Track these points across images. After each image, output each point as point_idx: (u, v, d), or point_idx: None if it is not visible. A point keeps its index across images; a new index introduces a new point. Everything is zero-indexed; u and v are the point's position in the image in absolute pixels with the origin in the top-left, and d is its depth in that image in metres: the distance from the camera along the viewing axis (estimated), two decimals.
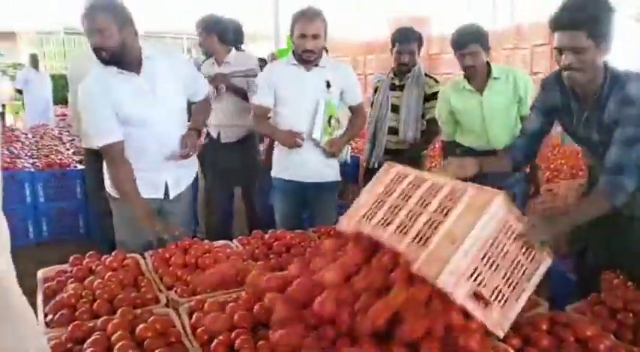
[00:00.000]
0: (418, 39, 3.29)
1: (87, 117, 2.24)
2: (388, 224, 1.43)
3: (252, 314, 1.46)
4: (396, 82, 3.34)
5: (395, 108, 3.28)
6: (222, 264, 1.88)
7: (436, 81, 3.33)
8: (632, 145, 1.67)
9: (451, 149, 3.02)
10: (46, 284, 1.81)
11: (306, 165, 2.73)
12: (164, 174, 2.39)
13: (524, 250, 1.38)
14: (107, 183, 2.40)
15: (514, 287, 1.34)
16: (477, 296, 1.27)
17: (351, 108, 2.88)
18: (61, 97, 8.76)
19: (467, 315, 1.26)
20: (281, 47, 7.42)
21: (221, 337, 1.38)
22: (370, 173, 3.09)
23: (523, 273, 1.37)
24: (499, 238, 1.31)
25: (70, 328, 1.43)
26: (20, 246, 3.60)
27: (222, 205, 3.70)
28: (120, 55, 2.13)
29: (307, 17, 2.58)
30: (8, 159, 4.32)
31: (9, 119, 9.79)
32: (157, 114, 2.25)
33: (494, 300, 1.29)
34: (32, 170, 4.15)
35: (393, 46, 3.28)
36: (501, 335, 1.31)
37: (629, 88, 1.70)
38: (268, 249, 2.13)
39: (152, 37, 13.12)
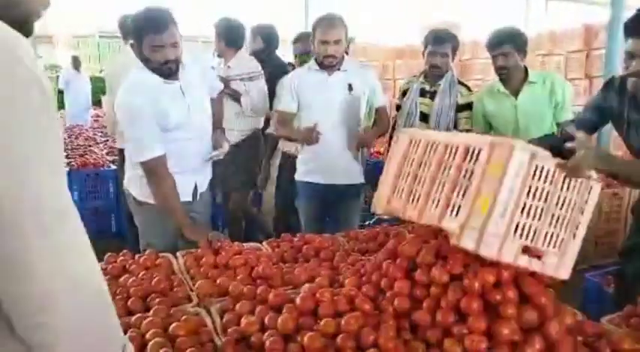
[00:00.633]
0: (453, 41, 3.05)
1: (132, 131, 2.22)
2: (417, 199, 1.45)
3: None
4: (427, 87, 3.09)
5: (424, 117, 3.05)
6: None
7: (469, 89, 3.12)
8: None
9: None
10: None
11: (330, 167, 2.75)
12: (195, 176, 2.44)
13: (567, 186, 1.34)
14: (134, 187, 2.40)
15: (567, 225, 1.33)
16: (528, 250, 1.27)
17: (374, 110, 2.90)
18: (95, 99, 8.97)
19: None
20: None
21: (252, 338, 1.40)
22: None
23: (572, 209, 1.34)
24: (533, 184, 1.29)
25: None
26: None
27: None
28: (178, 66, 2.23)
29: (328, 23, 2.62)
30: None
31: None
32: (193, 118, 2.31)
33: (548, 246, 1.30)
34: (67, 169, 4.26)
35: (426, 47, 3.05)
36: (566, 276, 1.33)
37: None
38: (297, 253, 2.14)
39: (184, 40, 13.30)
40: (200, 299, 1.69)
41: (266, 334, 1.40)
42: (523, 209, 1.27)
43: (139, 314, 1.53)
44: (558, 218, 1.32)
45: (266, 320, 1.45)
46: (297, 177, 2.88)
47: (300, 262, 2.05)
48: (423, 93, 3.10)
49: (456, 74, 3.20)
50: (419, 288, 1.45)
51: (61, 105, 8.55)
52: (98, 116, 8.72)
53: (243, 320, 1.46)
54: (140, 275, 1.83)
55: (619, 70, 2.08)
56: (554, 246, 1.31)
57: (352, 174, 2.83)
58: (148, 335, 1.40)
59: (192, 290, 1.78)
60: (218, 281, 1.77)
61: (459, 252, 1.35)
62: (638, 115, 1.82)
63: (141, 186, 2.34)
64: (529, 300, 1.30)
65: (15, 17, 0.71)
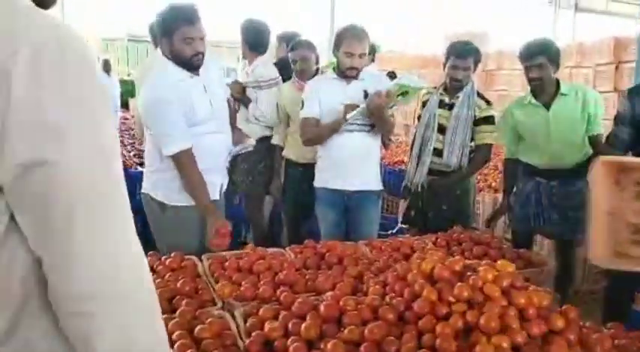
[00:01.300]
0: (475, 54, 2.99)
1: (161, 124, 2.26)
2: None
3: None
4: (446, 100, 3.01)
5: (441, 129, 2.98)
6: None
7: (488, 103, 3.02)
8: None
9: (513, 167, 2.97)
10: None
11: (349, 173, 2.76)
12: (222, 173, 2.53)
13: None
14: (161, 190, 2.41)
15: None
16: None
17: None
18: (123, 101, 9.15)
19: None
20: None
21: (276, 343, 1.42)
22: (414, 193, 3.05)
23: None
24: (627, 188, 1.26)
25: None
26: None
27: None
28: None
29: (355, 36, 2.65)
30: None
31: None
32: (215, 113, 2.40)
33: None
34: None
35: (447, 59, 2.98)
36: None
37: None
38: (320, 259, 2.16)
39: (209, 45, 13.49)
40: (224, 302, 1.72)
41: (289, 340, 1.42)
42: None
43: (165, 315, 1.56)
44: None
45: (290, 325, 1.47)
46: (316, 183, 2.90)
47: (323, 269, 2.07)
48: (441, 104, 3.03)
49: (477, 85, 3.12)
50: (442, 303, 1.46)
51: None
52: (125, 119, 8.89)
53: (267, 325, 1.49)
54: (166, 276, 1.86)
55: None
56: None
57: (371, 180, 2.84)
58: (174, 336, 1.43)
59: (216, 293, 1.81)
60: (242, 287, 1.79)
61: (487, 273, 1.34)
62: None
63: (170, 189, 2.36)
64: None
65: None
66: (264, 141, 3.43)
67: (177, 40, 2.22)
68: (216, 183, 2.48)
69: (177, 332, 1.44)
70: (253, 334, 1.48)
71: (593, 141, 2.69)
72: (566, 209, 2.77)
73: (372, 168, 2.85)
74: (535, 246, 3.22)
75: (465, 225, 2.84)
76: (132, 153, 5.17)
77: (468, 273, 1.56)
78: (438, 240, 2.49)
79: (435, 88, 3.16)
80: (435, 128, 2.99)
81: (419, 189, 3.03)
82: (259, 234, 3.70)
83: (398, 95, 2.61)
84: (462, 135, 2.94)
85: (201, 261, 2.12)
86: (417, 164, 3.06)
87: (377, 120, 2.68)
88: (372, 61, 5.13)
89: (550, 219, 2.83)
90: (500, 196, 3.84)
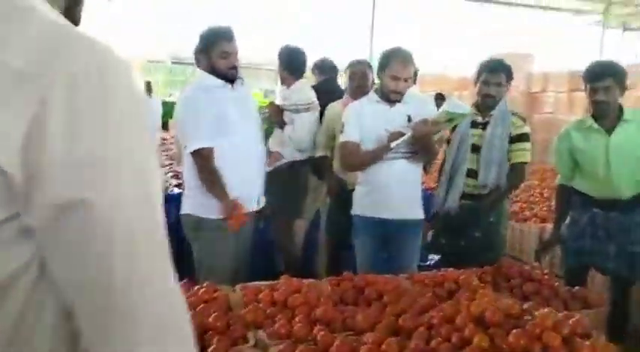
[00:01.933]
0: (507, 71, 2.88)
1: (190, 121, 2.46)
2: None
3: None
4: (479, 119, 2.89)
5: (475, 148, 2.86)
6: None
7: (524, 120, 2.97)
8: None
9: (567, 194, 2.78)
10: None
11: (389, 201, 2.64)
12: (257, 185, 2.64)
13: None
14: (197, 204, 2.52)
15: None
16: None
17: None
18: (162, 122, 9.33)
19: None
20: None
21: None
22: (444, 219, 2.90)
23: None
24: None
25: None
26: None
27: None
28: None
29: (403, 60, 2.57)
30: None
31: None
32: (248, 126, 2.55)
33: None
34: None
35: (478, 77, 2.89)
36: None
37: None
38: (359, 294, 2.04)
39: (250, 68, 13.79)
40: (257, 340, 1.63)
41: None
42: None
43: None
44: None
45: None
46: (354, 211, 2.78)
47: (362, 305, 1.95)
48: (474, 124, 2.91)
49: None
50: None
51: None
52: (164, 139, 9.04)
53: None
54: (198, 308, 1.79)
55: None
56: None
57: (413, 208, 2.71)
58: None
59: (249, 329, 1.72)
60: (277, 323, 1.69)
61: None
62: None
63: (207, 207, 2.47)
64: None
65: (75, 17, 0.68)
66: (296, 164, 3.42)
67: (215, 54, 2.46)
68: (252, 194, 2.58)
69: None
70: None
71: None
72: (625, 243, 2.57)
73: (414, 196, 2.72)
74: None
75: (498, 255, 2.76)
76: (169, 175, 5.19)
77: (525, 317, 1.42)
78: (484, 274, 2.34)
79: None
80: (469, 149, 2.87)
81: (450, 214, 2.87)
82: (290, 261, 3.60)
83: (444, 122, 2.51)
84: (499, 153, 2.83)
85: (234, 290, 2.04)
86: (448, 187, 2.91)
87: (422, 148, 2.59)
88: (414, 82, 5.06)
89: (606, 254, 2.62)
90: (548, 226, 3.66)
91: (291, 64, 3.43)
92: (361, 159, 2.65)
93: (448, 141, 3.02)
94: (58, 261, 0.56)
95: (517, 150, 2.84)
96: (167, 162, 6.07)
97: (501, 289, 2.22)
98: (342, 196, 3.14)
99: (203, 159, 2.42)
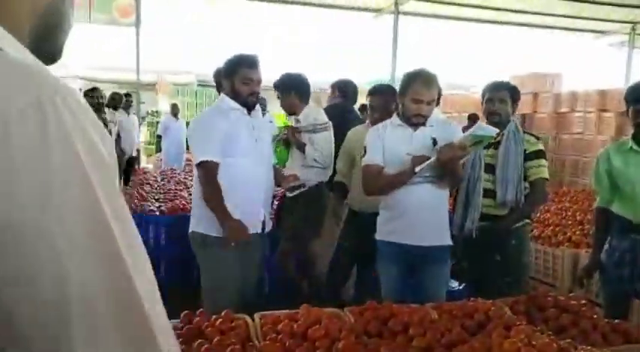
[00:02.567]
0: (511, 91, 2.90)
1: (199, 135, 2.60)
2: None
3: None
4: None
5: (489, 168, 2.84)
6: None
7: (537, 138, 2.92)
8: None
9: (605, 218, 2.65)
10: None
11: (415, 226, 2.53)
12: (264, 208, 2.68)
13: None
14: (204, 222, 2.58)
15: None
16: None
17: None
18: (187, 143, 9.44)
19: None
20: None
21: None
22: (464, 242, 2.80)
23: None
24: None
25: None
26: None
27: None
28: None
29: (424, 82, 2.49)
30: (136, 202, 4.60)
31: (142, 161, 10.68)
32: (260, 151, 2.63)
33: None
34: (157, 213, 4.36)
35: (483, 98, 2.93)
36: None
37: None
38: (383, 325, 1.94)
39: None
40: None
41: None
42: None
43: None
44: None
45: None
46: (379, 236, 2.68)
47: (386, 337, 1.85)
48: (487, 145, 2.81)
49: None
50: None
51: (158, 149, 9.08)
52: (189, 160, 9.11)
53: None
54: (215, 340, 1.71)
55: None
56: None
57: (439, 234, 2.60)
58: None
59: None
60: None
61: None
62: None
63: (212, 221, 2.53)
64: None
65: (52, 49, 0.64)
66: (319, 185, 3.42)
67: (238, 80, 2.56)
68: (258, 214, 2.63)
69: None
70: None
71: None
72: None
73: (440, 221, 2.61)
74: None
75: (520, 280, 2.75)
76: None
77: None
78: (517, 304, 2.21)
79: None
80: (482, 167, 2.85)
81: (470, 235, 2.79)
82: (313, 284, 3.55)
83: (470, 145, 2.43)
84: (516, 171, 2.79)
85: (253, 319, 1.97)
86: (466, 208, 2.84)
87: (448, 172, 2.50)
88: (438, 104, 4.98)
89: None
90: (581, 252, 3.50)
91: (304, 90, 3.45)
92: (383, 183, 2.58)
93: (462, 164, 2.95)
94: None
95: (534, 166, 2.81)
96: (191, 184, 6.07)
97: (536, 321, 2.09)
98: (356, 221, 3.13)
99: (208, 171, 2.50)
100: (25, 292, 0.48)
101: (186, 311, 1.99)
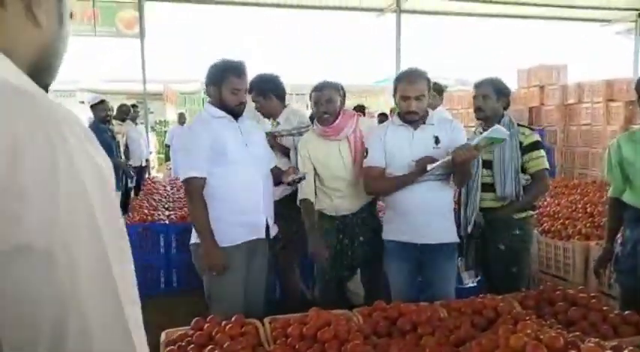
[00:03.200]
0: (494, 85, 2.87)
1: (184, 150, 2.51)
2: None
3: None
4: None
5: (486, 163, 2.86)
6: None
7: (532, 129, 2.94)
8: None
9: (618, 208, 2.64)
10: (168, 348, 1.80)
11: (420, 225, 2.55)
12: (266, 213, 2.57)
13: None
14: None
15: None
16: None
17: None
18: None
19: None
20: None
21: None
22: (469, 236, 2.81)
23: None
24: None
25: None
26: (151, 296, 3.71)
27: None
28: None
29: (409, 79, 2.52)
30: (146, 211, 4.65)
31: (154, 171, 10.78)
32: (252, 155, 2.50)
33: None
34: (167, 222, 4.41)
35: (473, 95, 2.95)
36: None
37: None
38: (392, 325, 1.95)
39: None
40: None
41: None
42: None
43: None
44: None
45: None
46: (385, 236, 2.70)
47: (395, 336, 1.86)
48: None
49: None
50: None
51: (167, 158, 9.16)
52: None
53: None
54: (225, 346, 1.74)
55: None
56: None
57: (446, 231, 2.61)
58: None
59: None
60: None
61: None
62: None
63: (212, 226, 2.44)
64: None
65: (47, 80, 0.70)
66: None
67: (226, 89, 2.44)
68: (260, 222, 2.54)
69: None
70: None
71: None
72: None
73: (446, 218, 2.62)
74: None
75: (523, 270, 2.75)
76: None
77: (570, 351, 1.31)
78: (526, 299, 2.21)
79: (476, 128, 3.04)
80: (480, 164, 2.85)
81: (469, 231, 2.80)
82: (292, 293, 3.46)
83: (484, 146, 2.48)
84: (513, 164, 2.80)
85: (263, 324, 1.98)
86: (466, 204, 2.88)
87: (460, 172, 2.53)
88: (441, 99, 4.94)
89: None
90: (592, 244, 3.47)
91: (281, 91, 3.28)
92: (388, 184, 2.60)
93: None
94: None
95: (533, 158, 2.81)
96: None
97: (545, 315, 2.09)
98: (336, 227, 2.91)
99: (192, 188, 2.41)
100: (25, 311, 0.52)
101: (197, 318, 2.01)
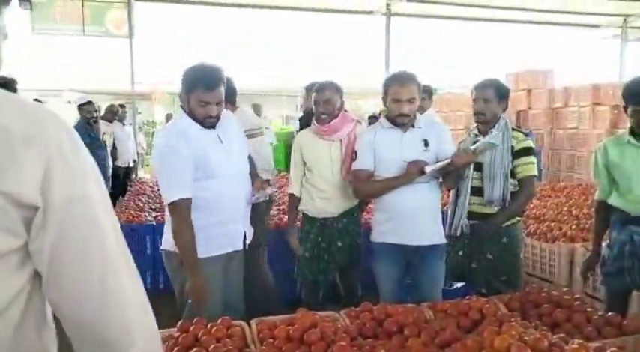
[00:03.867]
0: (497, 88, 2.83)
1: (165, 171, 2.26)
2: None
3: None
4: (480, 138, 2.81)
5: (477, 166, 2.80)
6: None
7: (526, 134, 2.90)
8: None
9: (604, 210, 2.66)
10: None
11: (409, 227, 2.57)
12: (244, 223, 2.49)
13: None
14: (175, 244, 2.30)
15: None
16: None
17: None
18: None
19: None
20: None
21: None
22: (456, 243, 2.81)
23: None
24: None
25: None
26: None
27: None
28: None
29: (400, 82, 2.53)
30: (133, 212, 4.62)
31: (140, 172, 10.70)
32: (234, 164, 2.38)
33: None
34: (154, 223, 4.38)
35: (472, 96, 2.89)
36: None
37: None
38: (378, 326, 1.96)
39: (270, 95, 13.97)
40: None
41: None
42: None
43: None
44: None
45: None
46: (374, 238, 2.71)
47: (382, 338, 1.87)
48: (474, 143, 2.80)
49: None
50: None
51: (149, 159, 9.09)
52: None
53: None
54: (211, 348, 1.73)
55: None
56: None
57: (433, 234, 2.63)
58: None
59: None
60: None
61: None
62: None
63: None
64: None
65: None
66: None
67: (194, 100, 2.26)
68: (239, 232, 2.46)
69: None
70: None
71: None
72: None
73: (434, 220, 2.64)
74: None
75: (513, 279, 2.70)
76: None
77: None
78: (511, 301, 2.23)
79: (470, 129, 3.03)
80: (472, 167, 2.80)
81: (458, 234, 2.78)
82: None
83: (482, 150, 2.53)
84: (502, 168, 2.76)
85: (249, 325, 1.98)
86: (455, 207, 2.85)
87: (455, 174, 2.56)
88: (431, 101, 4.96)
89: None
90: (577, 246, 3.51)
91: (232, 92, 3.10)
92: (378, 187, 2.60)
93: None
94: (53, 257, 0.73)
95: (523, 164, 2.78)
96: None
97: (530, 317, 2.11)
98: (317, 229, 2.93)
99: (179, 211, 2.21)
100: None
101: (182, 320, 2.00)
